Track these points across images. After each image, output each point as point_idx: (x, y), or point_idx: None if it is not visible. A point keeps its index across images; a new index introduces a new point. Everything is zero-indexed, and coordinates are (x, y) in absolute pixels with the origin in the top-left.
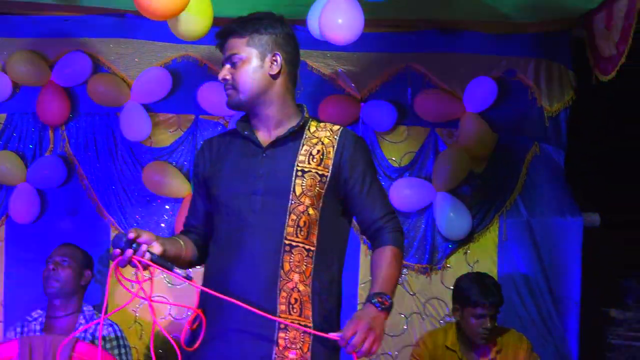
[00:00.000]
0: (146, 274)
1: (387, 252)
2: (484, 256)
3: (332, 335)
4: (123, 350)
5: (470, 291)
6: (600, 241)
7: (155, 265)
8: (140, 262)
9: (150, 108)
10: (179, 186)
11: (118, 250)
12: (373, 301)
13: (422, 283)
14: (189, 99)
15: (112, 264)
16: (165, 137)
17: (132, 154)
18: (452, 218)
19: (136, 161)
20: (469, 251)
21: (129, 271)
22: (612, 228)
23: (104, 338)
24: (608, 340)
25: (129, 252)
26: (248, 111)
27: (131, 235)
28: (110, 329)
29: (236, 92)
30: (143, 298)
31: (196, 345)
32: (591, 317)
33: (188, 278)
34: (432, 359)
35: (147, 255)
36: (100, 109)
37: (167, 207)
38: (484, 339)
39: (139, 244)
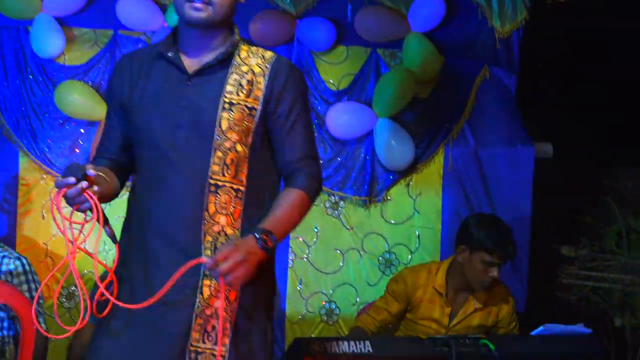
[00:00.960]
0: (82, 217)
1: (293, 194)
2: (427, 188)
3: (203, 259)
4: (33, 286)
5: (488, 236)
6: (553, 173)
7: (100, 208)
8: (92, 198)
9: (64, 22)
10: (95, 108)
11: (73, 179)
12: (257, 236)
13: (360, 217)
14: (107, 13)
15: (56, 192)
16: (81, 54)
17: (44, 71)
18: (393, 147)
19: (48, 80)
20: (411, 183)
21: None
22: (566, 159)
23: (10, 273)
24: (559, 280)
25: (85, 183)
26: (202, 29)
27: (91, 171)
28: (17, 262)
29: (210, 8)
30: (70, 240)
31: (106, 312)
32: (541, 254)
33: (114, 239)
34: (408, 297)
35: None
36: (8, 21)
37: (82, 130)
38: (485, 288)
39: (91, 182)
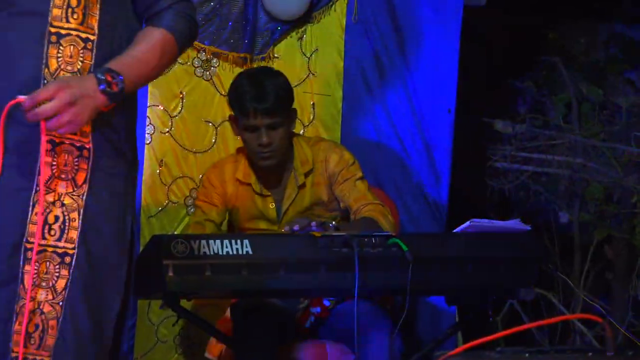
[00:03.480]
0: None
1: (154, 33)
2: (326, 43)
3: (20, 98)
4: None
5: (242, 93)
6: (486, 26)
7: None
8: None
9: None
10: None
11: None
12: (98, 75)
13: None
14: None
15: None
16: None
17: None
18: None
19: None
20: (305, 36)
21: None
22: (502, 8)
23: None
24: (491, 163)
25: None
26: None
27: None
28: None
29: None
30: None
31: None
32: (469, 130)
33: None
34: (222, 199)
35: None
36: None
37: None
38: (266, 160)
39: None
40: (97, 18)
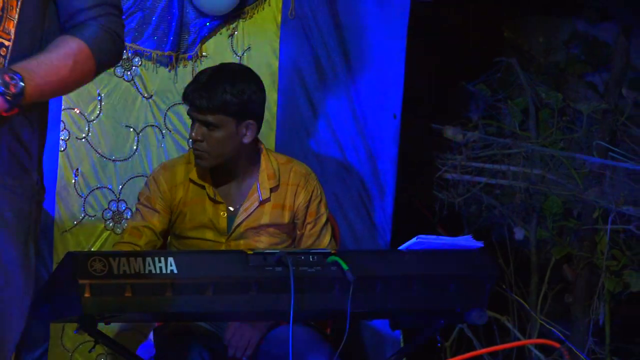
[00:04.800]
0: None
1: (70, 42)
2: (259, 41)
3: None
4: None
5: (193, 80)
6: (435, 22)
7: None
8: None
9: None
10: None
11: None
12: None
13: (163, 80)
14: None
15: None
16: None
17: None
18: None
19: None
20: (236, 33)
21: None
22: (452, 2)
23: None
24: (440, 173)
25: None
26: None
27: None
28: None
29: None
30: None
31: None
32: (415, 137)
33: None
34: (167, 203)
35: None
36: None
37: None
38: (197, 158)
39: None
40: (15, 23)
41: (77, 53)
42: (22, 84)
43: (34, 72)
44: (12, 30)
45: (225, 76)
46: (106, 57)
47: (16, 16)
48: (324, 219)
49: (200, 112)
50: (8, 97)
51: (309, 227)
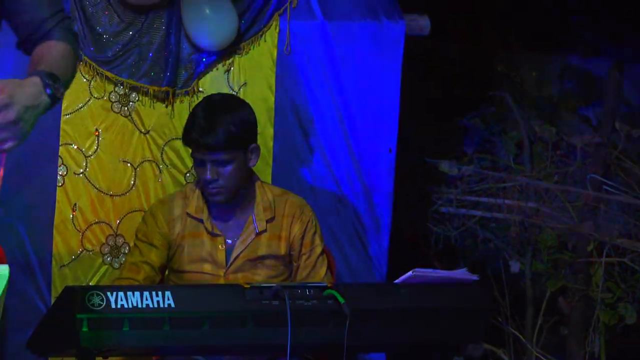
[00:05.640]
0: None
1: (58, 45)
2: (255, 76)
3: None
4: None
5: (192, 122)
6: (430, 58)
7: None
8: None
9: None
10: None
11: None
12: (46, 81)
13: (160, 116)
14: None
15: None
16: None
17: None
18: (208, 16)
19: None
20: (233, 68)
21: None
22: (447, 38)
23: None
24: (435, 207)
25: None
26: None
27: None
28: None
29: None
30: None
31: None
32: (412, 171)
33: None
34: (165, 239)
35: None
36: None
37: None
38: (214, 196)
39: None
40: None
41: (69, 53)
42: (63, 88)
43: (61, 75)
44: None
45: (220, 110)
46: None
47: None
48: (318, 250)
49: (213, 152)
50: (56, 99)
51: (304, 257)
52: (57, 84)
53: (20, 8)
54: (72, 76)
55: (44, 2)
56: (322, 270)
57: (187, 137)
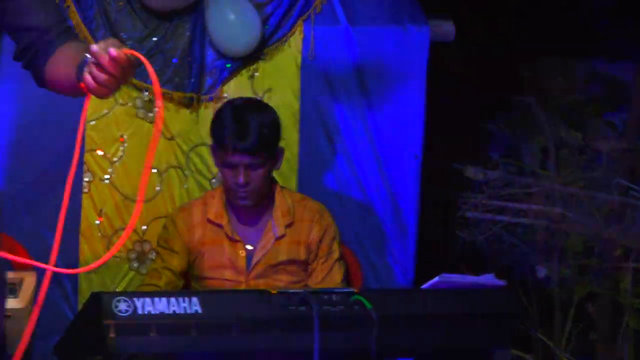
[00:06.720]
0: None
1: (72, 43)
2: (279, 82)
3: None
4: None
5: (224, 127)
6: (454, 63)
7: None
8: None
9: None
10: None
11: None
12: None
13: (185, 122)
14: None
15: None
16: None
17: None
18: (232, 22)
19: None
20: (257, 74)
21: None
22: (472, 43)
23: None
24: (461, 213)
25: None
26: None
27: None
28: None
29: None
30: None
31: None
32: (437, 177)
33: None
34: (185, 245)
35: None
36: None
37: None
38: (243, 200)
39: None
40: None
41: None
42: None
43: None
44: None
45: (249, 113)
46: None
47: None
48: (335, 255)
49: (248, 155)
50: None
51: (320, 261)
52: None
53: (24, 15)
54: None
55: (51, 10)
56: (338, 276)
57: (221, 140)
